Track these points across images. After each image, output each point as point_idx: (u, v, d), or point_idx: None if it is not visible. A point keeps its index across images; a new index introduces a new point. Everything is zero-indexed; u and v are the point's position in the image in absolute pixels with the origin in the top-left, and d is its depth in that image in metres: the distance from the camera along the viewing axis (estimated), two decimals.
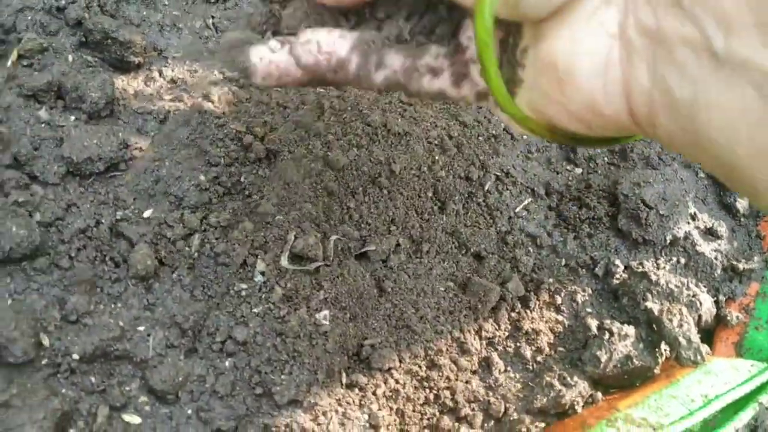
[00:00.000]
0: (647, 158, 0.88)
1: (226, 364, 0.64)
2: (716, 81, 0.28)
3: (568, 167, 0.88)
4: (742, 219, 0.90)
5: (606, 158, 0.89)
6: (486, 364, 0.74)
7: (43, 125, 0.70)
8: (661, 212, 0.80)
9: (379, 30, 0.46)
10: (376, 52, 0.45)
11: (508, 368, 0.75)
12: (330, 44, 0.45)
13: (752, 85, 0.27)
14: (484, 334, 0.75)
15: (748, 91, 0.27)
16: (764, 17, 0.26)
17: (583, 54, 0.34)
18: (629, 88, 0.32)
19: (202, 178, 0.72)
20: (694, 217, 0.85)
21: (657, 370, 0.77)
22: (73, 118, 0.71)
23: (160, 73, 0.80)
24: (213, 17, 0.87)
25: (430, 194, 0.81)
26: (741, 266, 0.86)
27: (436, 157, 0.82)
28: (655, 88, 0.31)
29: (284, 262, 0.68)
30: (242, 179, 0.72)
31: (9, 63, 0.73)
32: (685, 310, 0.78)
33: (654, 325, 0.77)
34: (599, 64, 0.34)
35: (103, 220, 0.65)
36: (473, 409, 0.71)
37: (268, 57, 0.46)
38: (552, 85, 0.36)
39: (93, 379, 0.60)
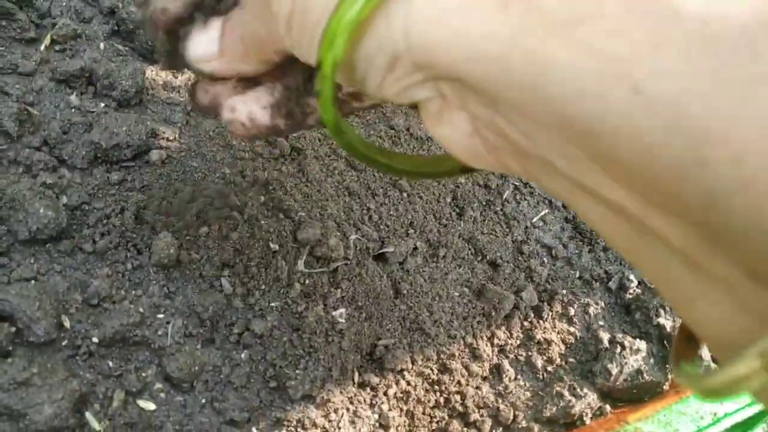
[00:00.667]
0: None
1: (242, 356, 0.64)
2: (575, 193, 0.29)
3: None
4: None
5: None
6: (497, 371, 0.74)
7: (73, 110, 0.71)
8: None
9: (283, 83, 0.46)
10: (297, 105, 0.45)
11: (519, 376, 0.75)
12: (254, 119, 0.45)
13: (602, 206, 0.28)
14: (496, 341, 0.75)
15: (600, 208, 0.28)
16: (598, 158, 0.26)
17: (451, 144, 0.34)
18: (506, 169, 0.33)
19: (227, 171, 0.73)
20: None
21: (666, 386, 0.77)
22: (102, 104, 0.72)
23: None
24: None
25: (449, 200, 0.81)
26: None
27: None
28: (531, 178, 0.31)
29: (301, 266, 0.69)
30: (266, 174, 0.73)
31: (42, 47, 0.74)
32: None
33: (665, 341, 0.78)
34: (469, 153, 0.33)
35: (127, 207, 0.66)
36: (482, 415, 0.71)
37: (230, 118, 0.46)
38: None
39: (111, 364, 0.61)
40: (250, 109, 0.44)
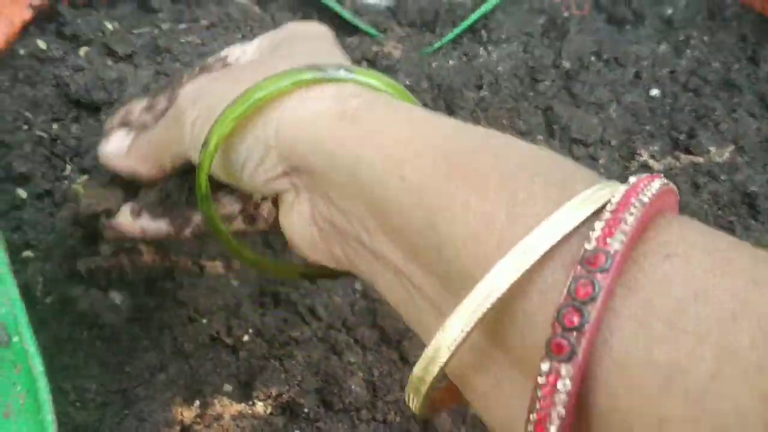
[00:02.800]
0: None
1: None
2: (375, 265, 0.40)
3: None
4: None
5: None
6: None
7: (358, 296, 0.88)
8: None
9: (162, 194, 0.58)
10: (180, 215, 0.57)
11: None
12: (136, 227, 0.58)
13: (391, 271, 0.39)
14: None
15: (388, 274, 0.39)
16: (386, 228, 0.38)
17: (296, 233, 0.45)
18: (334, 259, 0.44)
19: None
20: None
21: None
22: None
23: None
24: None
25: None
26: None
27: None
28: (349, 262, 0.43)
29: None
30: None
31: None
32: None
33: None
34: (307, 241, 0.45)
35: None
36: None
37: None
38: (288, 240, 0.48)
39: None
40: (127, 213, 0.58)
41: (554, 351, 0.25)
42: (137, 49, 0.99)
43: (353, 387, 0.77)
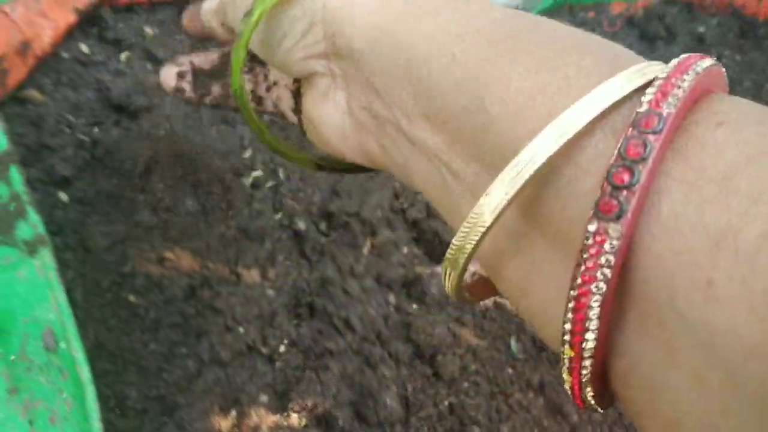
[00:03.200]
0: None
1: None
2: (412, 153, 0.39)
3: None
4: None
5: None
6: None
7: (392, 309, 0.88)
8: None
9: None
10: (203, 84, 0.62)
11: None
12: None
13: (427, 158, 0.38)
14: None
15: (424, 161, 0.38)
16: (429, 111, 0.36)
17: (326, 123, 0.44)
18: (364, 152, 0.43)
19: (510, 370, 0.87)
20: None
21: None
22: (415, 306, 0.90)
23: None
24: None
25: None
26: None
27: None
28: (382, 154, 0.42)
29: None
30: (540, 376, 0.87)
31: (365, 251, 0.93)
32: None
33: None
34: (338, 132, 0.44)
35: (446, 400, 0.81)
36: None
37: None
38: (313, 130, 0.47)
39: None
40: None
41: (602, 210, 0.24)
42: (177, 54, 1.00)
43: (388, 401, 0.77)
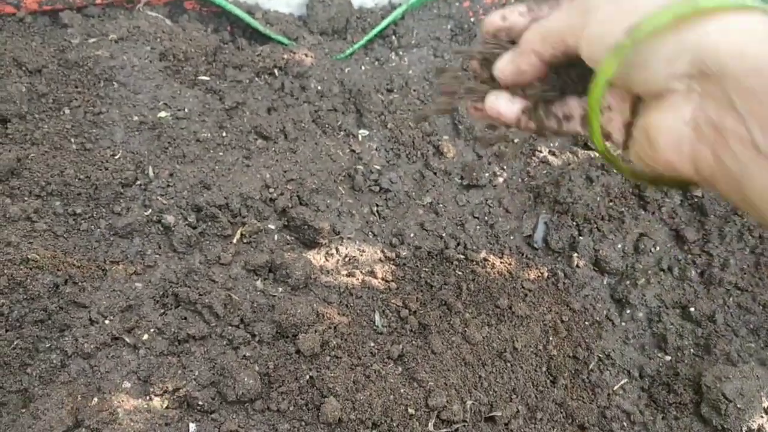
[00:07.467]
0: (728, 354, 1.04)
1: None
2: (757, 165, 0.45)
3: (659, 354, 1.05)
4: None
5: (692, 350, 1.06)
6: None
7: (259, 293, 0.93)
8: (738, 405, 0.96)
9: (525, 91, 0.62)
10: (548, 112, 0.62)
11: None
12: (503, 108, 0.62)
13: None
14: None
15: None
16: None
17: (664, 133, 0.50)
18: (696, 161, 0.49)
19: (372, 344, 0.93)
20: (767, 411, 0.99)
21: None
22: (280, 289, 0.94)
23: (337, 251, 1.03)
24: (378, 205, 1.11)
25: (544, 369, 0.99)
26: None
27: (550, 338, 1.01)
28: (716, 164, 0.48)
29: (430, 428, 0.87)
30: (402, 348, 0.93)
31: (235, 240, 0.98)
32: None
33: None
34: (674, 140, 0.50)
35: (306, 375, 0.86)
36: None
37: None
38: (645, 143, 0.53)
39: None
40: (502, 101, 0.62)
41: None
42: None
43: (246, 379, 0.82)
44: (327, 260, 1.02)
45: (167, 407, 0.81)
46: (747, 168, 0.46)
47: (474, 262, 1.07)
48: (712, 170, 0.48)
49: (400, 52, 1.31)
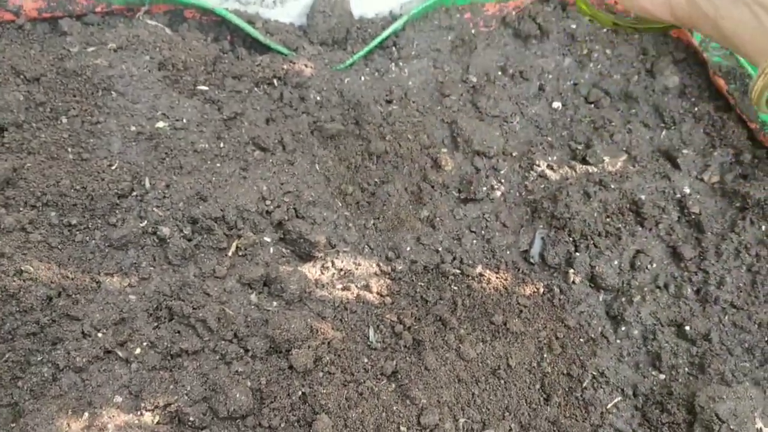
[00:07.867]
0: (722, 374, 1.03)
1: None
2: (729, 3, 0.49)
3: (653, 372, 1.05)
4: None
5: (687, 369, 1.05)
6: None
7: (253, 307, 0.93)
8: (731, 427, 0.95)
9: None
10: None
11: None
12: None
13: (748, 7, 0.48)
14: None
15: (745, 10, 0.48)
16: None
17: None
18: (671, 6, 0.54)
19: (365, 360, 0.92)
20: None
21: None
22: (275, 303, 0.94)
23: (333, 264, 1.03)
24: (374, 218, 1.11)
25: (538, 386, 0.99)
26: None
27: (545, 355, 1.01)
28: (689, 7, 0.52)
29: None
30: (395, 364, 0.93)
31: (230, 253, 0.98)
32: None
33: None
34: None
35: (299, 391, 0.86)
36: None
37: None
38: None
39: None
40: None
41: None
42: None
43: (238, 395, 0.81)
44: (322, 274, 1.02)
45: (158, 423, 0.81)
46: (719, 9, 0.50)
47: (470, 277, 1.07)
48: (686, 13, 0.53)
49: (401, 63, 1.30)
